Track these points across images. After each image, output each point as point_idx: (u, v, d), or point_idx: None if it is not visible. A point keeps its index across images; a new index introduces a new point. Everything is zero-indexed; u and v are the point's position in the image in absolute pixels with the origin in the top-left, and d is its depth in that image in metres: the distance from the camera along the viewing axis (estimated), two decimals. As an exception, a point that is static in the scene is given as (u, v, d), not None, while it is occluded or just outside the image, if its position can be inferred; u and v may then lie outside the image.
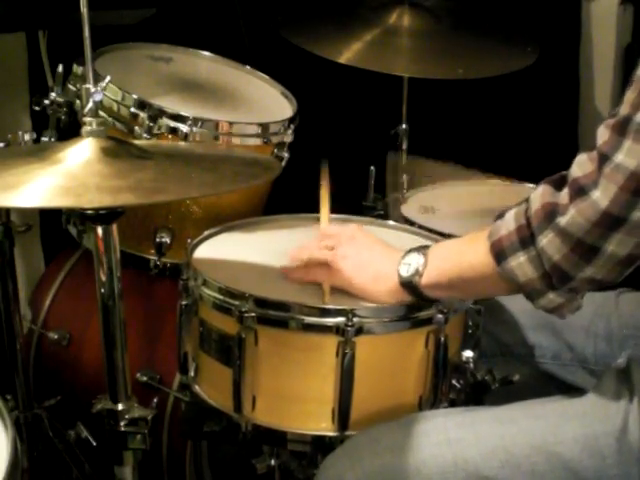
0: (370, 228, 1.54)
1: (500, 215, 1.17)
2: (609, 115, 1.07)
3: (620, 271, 1.08)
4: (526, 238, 1.11)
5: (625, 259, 1.06)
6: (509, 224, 1.14)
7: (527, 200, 1.13)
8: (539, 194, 1.11)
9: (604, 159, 1.04)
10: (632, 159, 1.01)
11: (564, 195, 1.07)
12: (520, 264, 1.12)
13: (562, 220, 1.06)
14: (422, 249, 1.25)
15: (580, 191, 1.05)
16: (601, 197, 1.03)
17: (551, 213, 1.08)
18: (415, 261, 1.24)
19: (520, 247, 1.11)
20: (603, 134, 1.05)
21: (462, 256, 1.20)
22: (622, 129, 1.03)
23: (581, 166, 1.07)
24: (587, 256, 1.06)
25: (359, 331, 1.21)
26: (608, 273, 1.08)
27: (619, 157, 1.02)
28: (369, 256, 1.30)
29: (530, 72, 1.89)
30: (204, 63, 1.89)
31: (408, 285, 1.24)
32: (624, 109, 1.03)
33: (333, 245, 1.33)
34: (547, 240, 1.08)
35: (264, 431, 1.27)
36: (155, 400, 1.57)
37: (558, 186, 1.10)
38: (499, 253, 1.14)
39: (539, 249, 1.10)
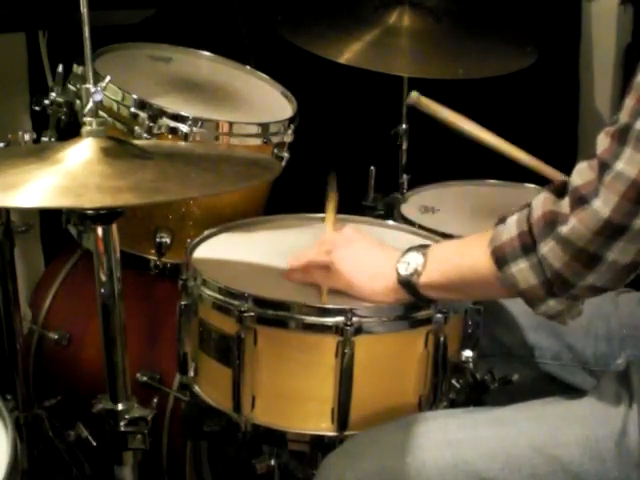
0: (370, 228, 1.54)
1: (501, 220, 1.16)
2: (609, 122, 1.05)
3: (621, 278, 1.07)
4: (528, 245, 1.10)
5: (627, 267, 1.05)
6: (511, 230, 1.13)
7: (529, 205, 1.12)
8: (540, 201, 1.10)
9: (604, 167, 1.03)
10: (633, 167, 1.00)
11: (565, 204, 1.07)
12: (521, 270, 1.11)
13: (563, 229, 1.06)
14: (422, 248, 1.25)
15: (581, 200, 1.04)
16: (602, 206, 1.02)
17: (552, 222, 1.07)
18: (414, 260, 1.23)
19: (522, 253, 1.11)
20: (603, 142, 1.04)
21: (462, 258, 1.20)
22: (622, 137, 1.02)
23: (581, 174, 1.06)
24: (588, 264, 1.05)
25: (358, 331, 1.21)
26: (609, 280, 1.07)
27: (619, 165, 1.01)
28: (367, 256, 1.30)
29: (530, 72, 1.89)
30: (204, 63, 1.89)
31: (406, 284, 1.23)
32: (624, 117, 1.02)
33: (331, 249, 1.33)
34: (548, 248, 1.08)
35: (264, 431, 1.27)
36: (155, 400, 1.57)
37: (559, 193, 1.09)
38: (500, 258, 1.13)
39: (540, 256, 1.09)
